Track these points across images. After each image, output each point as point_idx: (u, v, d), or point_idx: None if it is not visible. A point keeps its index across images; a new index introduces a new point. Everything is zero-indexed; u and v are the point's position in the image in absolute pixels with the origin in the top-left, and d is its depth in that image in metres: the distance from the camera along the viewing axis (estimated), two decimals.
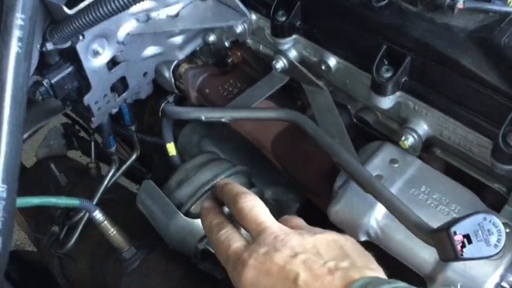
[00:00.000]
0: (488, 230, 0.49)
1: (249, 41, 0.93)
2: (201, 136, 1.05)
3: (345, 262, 0.54)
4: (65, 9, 0.69)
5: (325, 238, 0.57)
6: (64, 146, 1.39)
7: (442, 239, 0.51)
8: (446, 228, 0.50)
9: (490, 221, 0.50)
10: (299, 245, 0.56)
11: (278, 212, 0.93)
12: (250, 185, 0.85)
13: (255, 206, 0.61)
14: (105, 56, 0.82)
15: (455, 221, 0.50)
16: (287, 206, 0.95)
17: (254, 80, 0.92)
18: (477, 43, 0.64)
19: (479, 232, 0.49)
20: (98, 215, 0.89)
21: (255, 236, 0.58)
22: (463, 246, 0.49)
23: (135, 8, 0.81)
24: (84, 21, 0.68)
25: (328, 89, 0.86)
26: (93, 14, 0.66)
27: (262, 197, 0.86)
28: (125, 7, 0.67)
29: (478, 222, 0.49)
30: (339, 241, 0.57)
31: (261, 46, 0.93)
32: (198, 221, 0.78)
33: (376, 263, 0.57)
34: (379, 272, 0.54)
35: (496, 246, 0.49)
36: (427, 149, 0.78)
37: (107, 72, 0.84)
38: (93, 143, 1.23)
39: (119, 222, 0.94)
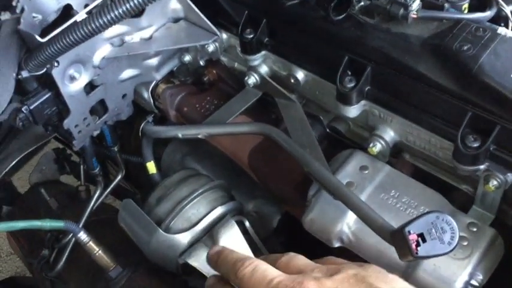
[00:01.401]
0: (442, 228, 0.51)
1: (223, 59, 0.96)
2: (183, 154, 1.07)
3: None
4: (37, 37, 0.72)
5: (345, 277, 0.53)
6: (56, 171, 1.42)
7: (399, 239, 0.53)
8: (402, 228, 0.52)
9: (443, 220, 0.52)
10: None
11: (260, 224, 0.95)
12: (229, 198, 0.87)
13: (256, 268, 0.56)
14: (82, 80, 0.85)
15: (410, 221, 0.52)
16: (268, 218, 0.97)
17: (230, 96, 0.94)
18: (431, 50, 0.67)
19: (433, 231, 0.51)
20: (83, 236, 0.91)
21: None
22: (418, 245, 0.51)
23: (108, 33, 0.84)
24: (55, 48, 0.71)
25: (301, 101, 0.89)
26: (64, 42, 0.69)
27: (241, 210, 0.89)
28: (94, 33, 0.70)
29: (432, 221, 0.51)
30: (359, 274, 0.53)
31: (236, 63, 0.96)
32: (178, 236, 0.80)
33: (402, 282, 0.53)
34: None
35: (449, 243, 0.51)
36: (396, 154, 0.80)
37: (85, 96, 0.87)
38: (82, 166, 1.25)
39: (107, 242, 0.96)
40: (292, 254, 0.60)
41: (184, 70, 1.03)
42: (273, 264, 0.59)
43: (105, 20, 0.68)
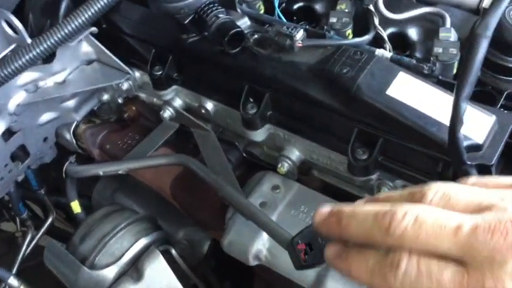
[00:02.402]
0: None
1: (141, 95, 1.00)
2: (113, 190, 1.09)
3: None
4: None
5: None
6: None
7: (291, 249, 0.57)
8: (291, 239, 0.56)
9: None
10: None
11: (191, 251, 0.98)
12: (154, 229, 0.89)
13: (419, 217, 0.39)
14: None
15: (299, 232, 0.56)
16: (199, 244, 1.00)
17: (151, 130, 0.98)
18: (317, 74, 0.73)
19: (319, 239, 0.55)
20: (13, 281, 0.92)
21: (465, 255, 0.38)
22: (306, 253, 0.55)
23: (21, 80, 0.86)
24: None
25: (217, 130, 0.93)
26: None
27: (167, 239, 0.92)
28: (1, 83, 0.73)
29: None
30: None
31: (154, 99, 1.00)
32: (103, 272, 0.81)
33: None
34: None
35: None
36: (306, 172, 0.86)
37: (3, 143, 0.89)
38: None
39: (43, 285, 0.96)
40: (436, 184, 0.42)
41: (107, 108, 1.06)
42: (421, 200, 0.42)
43: (10, 70, 0.71)
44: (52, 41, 0.76)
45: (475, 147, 0.64)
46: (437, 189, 0.42)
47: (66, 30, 0.77)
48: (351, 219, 0.45)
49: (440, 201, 0.41)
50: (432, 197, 0.41)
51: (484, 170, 0.64)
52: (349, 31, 0.79)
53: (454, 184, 0.43)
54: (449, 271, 0.38)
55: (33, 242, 1.08)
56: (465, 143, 0.62)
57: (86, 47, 0.91)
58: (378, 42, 0.80)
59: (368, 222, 0.43)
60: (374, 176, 0.72)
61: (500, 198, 0.40)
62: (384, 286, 0.41)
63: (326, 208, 0.48)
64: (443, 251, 0.39)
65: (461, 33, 0.78)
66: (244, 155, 0.94)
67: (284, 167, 0.82)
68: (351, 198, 0.81)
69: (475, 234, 0.38)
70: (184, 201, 0.92)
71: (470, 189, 0.42)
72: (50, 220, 1.09)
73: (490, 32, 0.56)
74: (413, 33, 0.82)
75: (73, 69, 0.92)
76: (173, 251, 0.88)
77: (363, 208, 0.44)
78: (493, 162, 0.63)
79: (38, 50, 0.75)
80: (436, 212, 0.40)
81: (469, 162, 0.60)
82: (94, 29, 0.88)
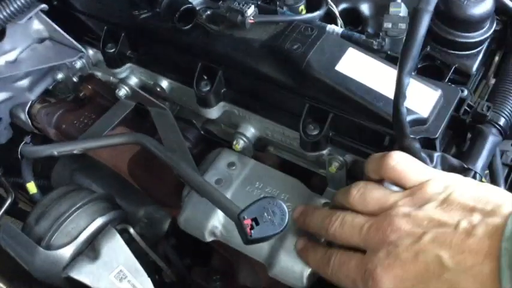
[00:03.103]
0: (273, 212, 0.57)
1: (98, 73, 0.99)
2: (71, 170, 1.08)
3: (475, 214, 0.49)
4: None
5: (433, 207, 0.52)
6: None
7: (239, 225, 0.58)
8: (238, 214, 0.57)
9: (274, 204, 0.57)
10: (416, 225, 0.52)
11: (151, 229, 0.98)
12: (111, 209, 0.89)
13: (344, 220, 0.59)
14: None
15: (245, 208, 0.57)
16: (159, 222, 1.00)
17: (107, 110, 0.97)
18: (268, 51, 0.73)
19: (265, 214, 0.57)
20: None
21: (364, 246, 0.56)
22: (252, 228, 0.57)
23: None
24: None
25: (175, 108, 0.93)
26: None
27: (125, 218, 0.92)
28: None
29: (264, 205, 0.57)
30: (450, 197, 0.52)
31: (110, 77, 0.98)
32: (59, 252, 0.81)
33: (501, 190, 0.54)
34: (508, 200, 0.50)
35: (279, 225, 0.57)
36: (262, 148, 0.86)
37: None
38: None
39: (5, 267, 0.95)
40: (360, 184, 0.60)
41: (62, 87, 1.04)
42: (348, 199, 0.60)
43: None
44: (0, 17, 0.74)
45: (420, 121, 0.65)
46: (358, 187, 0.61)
47: (13, 7, 0.75)
48: (310, 218, 0.66)
49: (354, 200, 0.60)
50: (355, 196, 0.60)
51: (428, 143, 0.65)
52: (302, 7, 0.79)
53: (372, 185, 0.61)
54: (354, 259, 0.57)
55: None
56: (410, 117, 0.63)
57: (37, 25, 0.89)
58: (330, 18, 0.81)
59: (318, 222, 0.64)
60: (325, 151, 0.73)
61: (394, 201, 0.57)
62: (322, 273, 0.63)
63: (300, 208, 0.70)
64: (355, 243, 0.58)
65: (412, 7, 0.79)
66: (202, 132, 0.94)
67: (239, 144, 0.82)
68: (305, 173, 0.83)
69: (368, 231, 0.56)
70: (142, 180, 0.92)
71: (380, 192, 0.59)
72: (9, 201, 1.07)
73: (431, 7, 0.57)
74: (365, 8, 0.82)
75: (24, 48, 0.90)
76: (131, 230, 0.88)
77: (318, 212, 0.66)
78: (437, 136, 0.65)
79: None
80: (352, 217, 0.59)
81: (412, 136, 0.62)
82: (44, 5, 0.86)
